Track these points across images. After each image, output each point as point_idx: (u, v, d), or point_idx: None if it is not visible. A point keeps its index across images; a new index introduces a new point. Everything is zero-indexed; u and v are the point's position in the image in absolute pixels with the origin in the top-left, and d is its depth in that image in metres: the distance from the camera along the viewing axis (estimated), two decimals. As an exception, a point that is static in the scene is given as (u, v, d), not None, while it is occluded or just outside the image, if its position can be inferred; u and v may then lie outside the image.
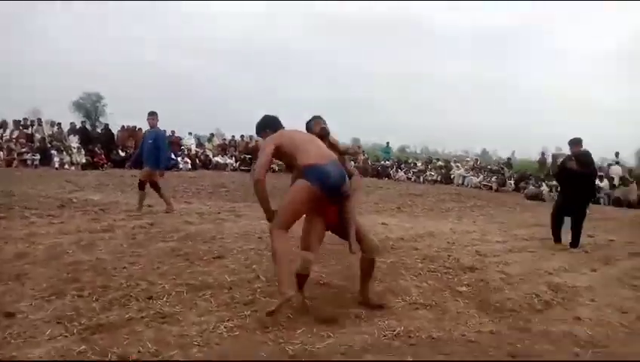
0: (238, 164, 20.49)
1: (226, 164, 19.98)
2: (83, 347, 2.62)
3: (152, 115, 7.78)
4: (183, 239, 5.38)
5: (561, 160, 7.20)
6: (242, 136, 23.94)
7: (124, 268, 4.12)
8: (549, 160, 14.81)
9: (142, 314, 3.13)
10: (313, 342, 2.88)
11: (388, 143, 26.80)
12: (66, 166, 15.30)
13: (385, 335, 3.05)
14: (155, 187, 7.77)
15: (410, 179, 20.60)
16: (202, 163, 19.34)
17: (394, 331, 3.11)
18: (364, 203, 10.41)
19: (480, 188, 18.47)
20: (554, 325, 3.46)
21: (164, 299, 3.45)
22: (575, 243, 6.75)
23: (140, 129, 17.41)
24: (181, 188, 11.45)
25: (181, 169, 17.18)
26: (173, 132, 19.84)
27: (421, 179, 20.32)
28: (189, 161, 18.34)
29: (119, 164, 16.06)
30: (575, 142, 6.88)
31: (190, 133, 21.73)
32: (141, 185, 7.61)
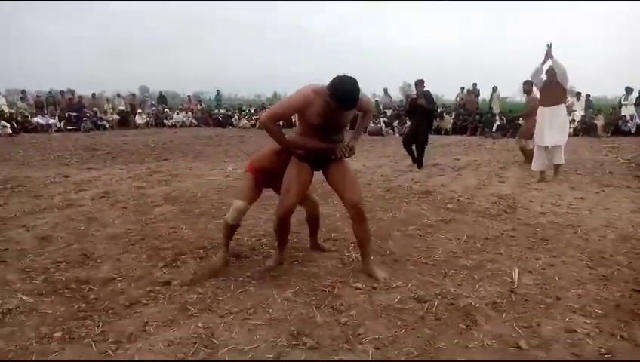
0: (62, 123, 18.54)
1: (50, 125, 17.91)
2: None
3: None
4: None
5: (411, 97, 8.47)
6: (62, 92, 21.56)
7: None
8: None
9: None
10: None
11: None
12: None
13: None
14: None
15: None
16: (21, 126, 17.04)
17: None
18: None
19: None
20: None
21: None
22: (419, 164, 8.35)
23: None
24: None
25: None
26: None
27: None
28: (7, 124, 15.99)
29: None
30: (421, 83, 8.06)
31: (-5, 92, 18.83)
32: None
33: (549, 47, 6.56)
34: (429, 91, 8.20)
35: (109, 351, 2.27)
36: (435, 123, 16.98)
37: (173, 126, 21.69)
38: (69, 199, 5.76)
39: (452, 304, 2.76)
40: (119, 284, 3.10)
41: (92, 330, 2.48)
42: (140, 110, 21.99)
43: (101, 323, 2.55)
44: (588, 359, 2.17)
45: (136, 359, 2.20)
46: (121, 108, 21.82)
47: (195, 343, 2.33)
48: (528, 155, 8.18)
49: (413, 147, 8.55)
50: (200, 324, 2.51)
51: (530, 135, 7.91)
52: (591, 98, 18.53)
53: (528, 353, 2.22)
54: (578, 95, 17.33)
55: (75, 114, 19.33)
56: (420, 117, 8.34)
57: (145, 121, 21.45)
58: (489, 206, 5.33)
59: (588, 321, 2.53)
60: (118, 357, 2.22)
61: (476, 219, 4.78)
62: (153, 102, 24.69)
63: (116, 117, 20.90)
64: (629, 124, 15.49)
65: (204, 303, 2.79)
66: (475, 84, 18.74)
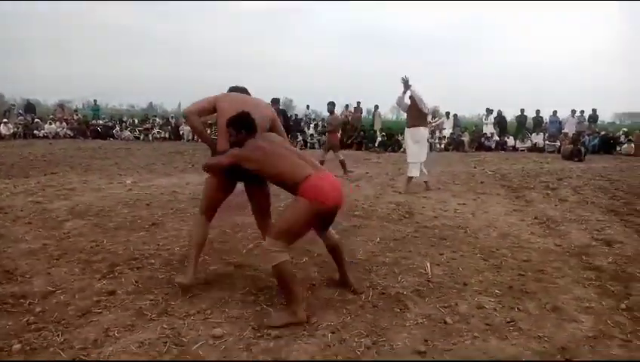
0: None
1: None
2: None
3: None
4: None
5: None
6: None
7: None
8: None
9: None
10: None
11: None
12: None
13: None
14: None
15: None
16: None
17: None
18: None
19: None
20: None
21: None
22: None
23: None
24: None
25: None
26: None
27: (150, 137, 20.12)
28: None
29: None
30: (276, 101, 8.61)
31: None
32: None
33: (406, 79, 7.44)
34: (284, 109, 8.90)
35: (81, 356, 2.33)
36: (323, 137, 17.91)
37: (45, 137, 19.99)
38: (-42, 216, 5.29)
39: (383, 293, 3.21)
40: (62, 297, 3.08)
41: (53, 340, 2.50)
42: (5, 120, 19.98)
43: (60, 333, 2.58)
44: (498, 327, 2.73)
45: (112, 359, 2.30)
46: (-17, 117, 19.64)
47: (166, 342, 2.48)
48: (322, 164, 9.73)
49: None
50: (165, 326, 2.66)
51: (334, 147, 9.89)
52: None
53: (453, 326, 2.73)
54: (447, 114, 19.35)
55: None
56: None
57: (12, 131, 19.52)
58: (390, 212, 5.96)
59: (492, 299, 3.13)
60: (92, 359, 2.30)
61: (382, 223, 5.34)
62: (20, 111, 22.55)
63: (-24, 127, 18.79)
64: (490, 141, 17.72)
65: (160, 308, 2.92)
66: (359, 102, 20.02)
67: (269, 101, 8.32)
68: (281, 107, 8.68)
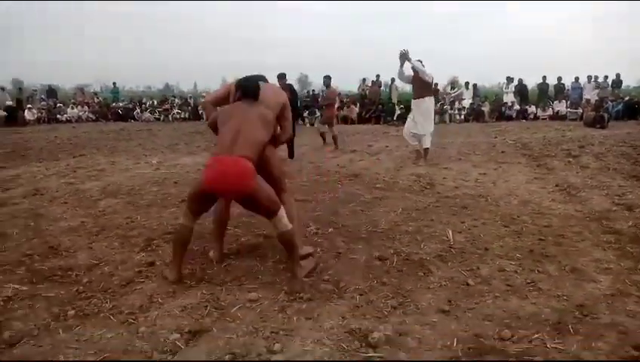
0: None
1: None
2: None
3: None
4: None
5: None
6: None
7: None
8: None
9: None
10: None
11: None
12: None
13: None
14: None
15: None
16: None
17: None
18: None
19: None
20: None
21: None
22: (291, 154, 8.60)
23: None
24: None
25: None
26: None
27: (170, 118, 20.42)
28: None
29: None
30: (282, 76, 8.63)
31: None
32: None
33: (405, 52, 7.45)
34: (291, 84, 8.93)
35: (130, 320, 2.54)
36: (341, 112, 17.94)
37: (68, 121, 20.44)
38: (-1, 198, 5.58)
39: (407, 259, 3.35)
40: (105, 268, 3.30)
41: (102, 306, 2.72)
42: (29, 105, 20.44)
43: (108, 300, 2.79)
44: (519, 288, 2.86)
45: (158, 323, 2.50)
46: (9, 103, 20.07)
47: (206, 306, 2.67)
48: (325, 138, 10.34)
49: None
50: (204, 291, 2.86)
51: (329, 121, 10.19)
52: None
53: (475, 287, 2.87)
54: (467, 84, 19.15)
55: None
56: None
57: (36, 116, 20.00)
58: (411, 184, 6.07)
59: (512, 263, 3.26)
60: (141, 323, 2.50)
61: (403, 195, 5.46)
62: (43, 97, 23.00)
63: (2, 113, 19.25)
64: (510, 110, 17.53)
65: (197, 276, 3.12)
66: (378, 76, 19.91)
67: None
68: (288, 82, 8.76)
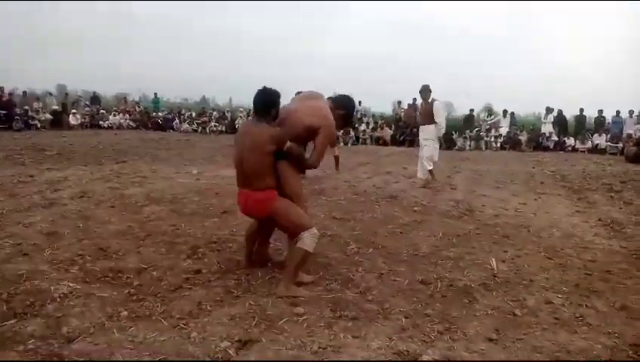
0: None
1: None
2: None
3: None
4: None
5: None
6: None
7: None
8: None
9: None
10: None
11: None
12: None
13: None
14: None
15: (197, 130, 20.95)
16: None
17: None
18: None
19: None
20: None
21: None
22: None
23: None
24: None
25: None
26: None
27: (207, 130, 20.85)
28: None
29: None
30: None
31: None
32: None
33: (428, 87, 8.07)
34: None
35: (181, 325, 2.61)
36: (375, 133, 18.02)
37: (110, 128, 21.09)
38: (49, 198, 5.79)
39: (451, 285, 3.34)
40: (154, 273, 3.40)
41: (154, 310, 2.80)
42: (74, 110, 21.20)
43: (159, 304, 2.87)
44: (567, 322, 2.82)
45: (208, 330, 2.56)
46: (55, 107, 20.88)
47: (254, 317, 2.73)
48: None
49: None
50: (251, 302, 2.91)
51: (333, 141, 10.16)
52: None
53: (522, 318, 2.84)
54: (504, 112, 18.98)
55: (4, 112, 18.35)
56: None
57: (79, 121, 20.69)
58: (450, 209, 6.04)
59: (559, 296, 3.21)
60: (192, 329, 2.57)
61: (442, 220, 5.44)
62: (87, 103, 23.82)
63: (48, 116, 20.02)
64: (548, 141, 17.27)
65: (243, 287, 3.18)
66: (414, 99, 19.89)
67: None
68: None
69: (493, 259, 3.92)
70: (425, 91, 8.14)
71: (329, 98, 3.54)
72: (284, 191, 3.25)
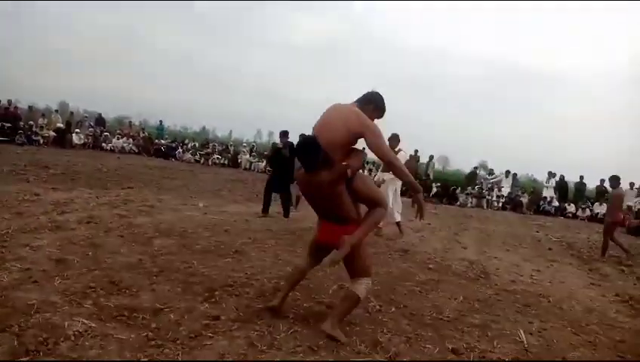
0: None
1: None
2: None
3: None
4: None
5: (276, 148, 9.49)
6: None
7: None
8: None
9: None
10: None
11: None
12: None
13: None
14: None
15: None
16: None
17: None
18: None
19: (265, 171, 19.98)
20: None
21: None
22: (286, 214, 8.54)
23: None
24: None
25: None
26: None
27: (209, 162, 20.79)
28: None
29: None
30: (285, 134, 8.80)
31: None
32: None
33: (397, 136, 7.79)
34: (292, 142, 8.76)
35: (206, 380, 2.42)
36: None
37: (112, 150, 20.99)
38: (55, 220, 5.62)
39: (483, 357, 3.18)
40: (171, 316, 3.21)
41: (175, 358, 2.61)
42: (77, 129, 21.13)
43: (180, 352, 2.69)
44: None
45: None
46: (59, 125, 20.80)
47: (282, 377, 2.54)
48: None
49: (272, 195, 8.72)
50: (278, 359, 2.73)
51: None
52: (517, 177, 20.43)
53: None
54: (507, 173, 19.09)
55: (8, 125, 18.26)
56: (283, 167, 8.40)
57: (82, 141, 20.61)
58: (465, 270, 5.90)
59: (597, 379, 3.05)
60: (218, 385, 2.39)
61: (459, 281, 5.30)
62: (91, 123, 23.79)
63: (52, 133, 19.92)
64: (549, 206, 17.29)
65: (266, 340, 2.99)
66: (416, 151, 20.03)
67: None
68: (290, 140, 8.90)
69: (522, 331, 3.76)
70: (393, 139, 7.78)
71: (354, 102, 3.40)
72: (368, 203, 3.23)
